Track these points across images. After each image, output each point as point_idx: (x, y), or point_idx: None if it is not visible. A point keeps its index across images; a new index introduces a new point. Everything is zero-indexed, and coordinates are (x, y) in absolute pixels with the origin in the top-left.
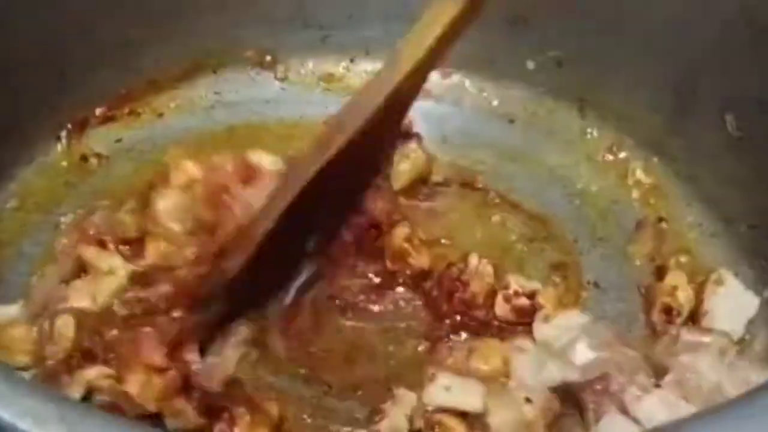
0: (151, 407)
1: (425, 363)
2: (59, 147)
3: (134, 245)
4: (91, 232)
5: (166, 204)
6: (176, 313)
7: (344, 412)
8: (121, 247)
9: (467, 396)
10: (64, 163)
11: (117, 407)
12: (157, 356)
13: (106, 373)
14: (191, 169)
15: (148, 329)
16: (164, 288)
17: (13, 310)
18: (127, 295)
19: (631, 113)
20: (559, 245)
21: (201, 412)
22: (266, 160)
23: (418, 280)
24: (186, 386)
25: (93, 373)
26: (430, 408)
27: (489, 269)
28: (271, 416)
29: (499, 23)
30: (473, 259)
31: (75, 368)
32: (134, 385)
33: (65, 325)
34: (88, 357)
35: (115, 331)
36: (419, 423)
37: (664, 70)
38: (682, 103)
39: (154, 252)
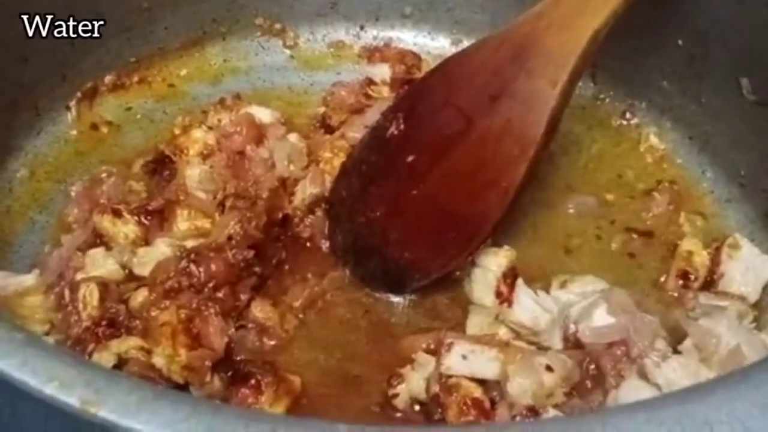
0: (179, 379)
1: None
2: (69, 116)
3: (155, 216)
4: (103, 201)
5: (193, 173)
6: (221, 293)
7: (362, 378)
8: (142, 218)
9: (484, 364)
10: (74, 132)
11: (147, 378)
12: (218, 342)
13: (136, 345)
14: (204, 136)
15: (211, 312)
16: (215, 267)
17: (28, 279)
18: (173, 271)
19: (643, 78)
20: None
21: (227, 382)
22: (265, 115)
23: None
24: (221, 359)
25: (123, 345)
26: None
27: None
28: (293, 388)
29: None
30: None
31: (102, 338)
32: (161, 358)
33: (90, 294)
34: (112, 325)
35: (143, 301)
36: (435, 388)
37: (676, 34)
38: (695, 68)
39: (183, 223)
